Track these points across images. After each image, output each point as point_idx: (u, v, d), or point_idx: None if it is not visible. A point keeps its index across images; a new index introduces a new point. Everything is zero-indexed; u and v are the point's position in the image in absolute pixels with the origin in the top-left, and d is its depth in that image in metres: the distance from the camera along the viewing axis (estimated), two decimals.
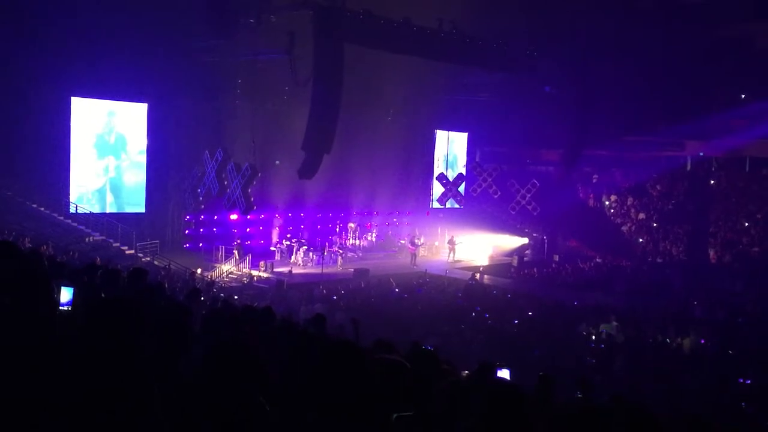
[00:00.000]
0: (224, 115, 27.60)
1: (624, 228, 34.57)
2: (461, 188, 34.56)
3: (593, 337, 16.48)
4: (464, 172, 36.47)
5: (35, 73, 22.69)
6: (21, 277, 3.05)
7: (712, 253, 31.14)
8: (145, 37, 23.31)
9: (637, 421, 4.83)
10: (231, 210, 26.39)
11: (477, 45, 27.74)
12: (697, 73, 29.05)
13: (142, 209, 27.43)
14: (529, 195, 32.28)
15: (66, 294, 3.89)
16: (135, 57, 23.59)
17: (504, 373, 6.18)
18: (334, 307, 17.86)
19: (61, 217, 24.52)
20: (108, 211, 26.49)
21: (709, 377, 12.65)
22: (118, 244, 24.40)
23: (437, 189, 35.51)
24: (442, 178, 34.73)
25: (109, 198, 26.88)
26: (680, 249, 31.97)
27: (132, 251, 24.27)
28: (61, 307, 3.80)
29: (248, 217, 27.53)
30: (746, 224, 31.62)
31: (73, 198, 25.60)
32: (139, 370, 2.59)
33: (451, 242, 31.41)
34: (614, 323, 16.82)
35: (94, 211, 25.84)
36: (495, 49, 28.40)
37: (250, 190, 25.13)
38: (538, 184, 32.15)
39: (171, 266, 22.19)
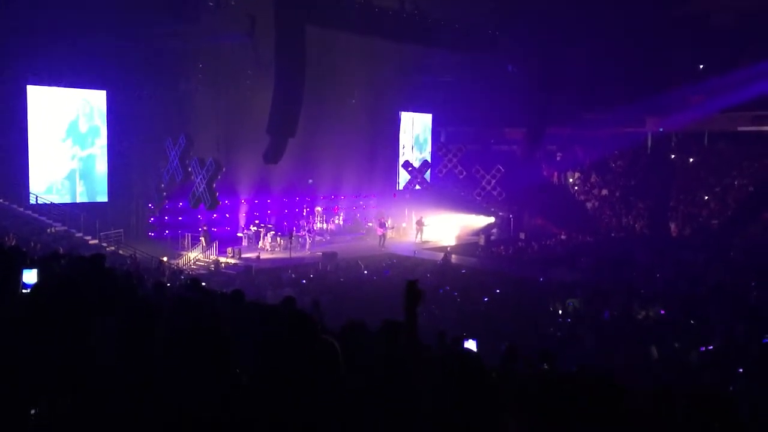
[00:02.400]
0: (186, 100, 27.18)
1: (588, 204, 35.10)
2: (427, 175, 34.66)
3: (560, 312, 16.80)
4: (429, 158, 36.64)
5: None
6: None
7: (673, 226, 31.78)
8: (102, 22, 22.69)
9: (601, 388, 4.97)
10: (196, 206, 26.07)
11: (439, 25, 27.77)
12: (655, 49, 29.48)
13: (105, 198, 27.04)
14: (494, 180, 32.60)
15: (30, 276, 3.89)
16: (93, 43, 23.06)
17: (471, 344, 6.27)
18: (303, 291, 17.84)
19: (22, 209, 24.00)
20: (78, 200, 26.05)
21: (672, 346, 12.99)
22: (81, 234, 23.98)
23: (403, 173, 35.59)
24: (407, 165, 34.82)
25: (80, 187, 26.43)
26: (642, 223, 32.58)
27: (95, 241, 23.88)
28: (24, 289, 3.80)
29: None
30: (706, 197, 32.33)
31: (42, 188, 25.10)
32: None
33: (419, 223, 31.51)
34: (580, 297, 17.19)
35: (65, 201, 25.37)
36: (457, 29, 28.47)
37: (215, 185, 24.89)
38: (502, 170, 32.42)
39: (137, 255, 21.90)
